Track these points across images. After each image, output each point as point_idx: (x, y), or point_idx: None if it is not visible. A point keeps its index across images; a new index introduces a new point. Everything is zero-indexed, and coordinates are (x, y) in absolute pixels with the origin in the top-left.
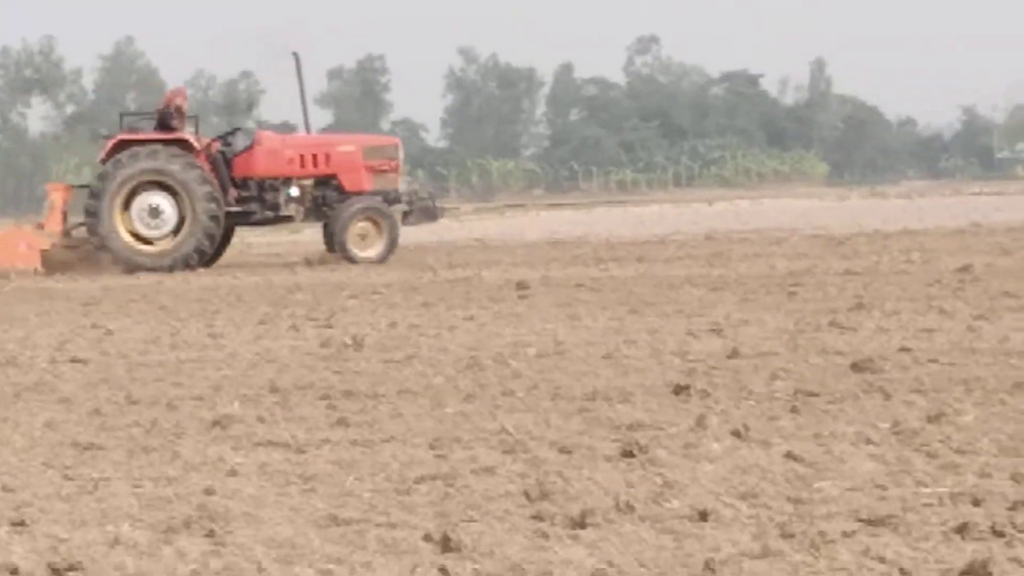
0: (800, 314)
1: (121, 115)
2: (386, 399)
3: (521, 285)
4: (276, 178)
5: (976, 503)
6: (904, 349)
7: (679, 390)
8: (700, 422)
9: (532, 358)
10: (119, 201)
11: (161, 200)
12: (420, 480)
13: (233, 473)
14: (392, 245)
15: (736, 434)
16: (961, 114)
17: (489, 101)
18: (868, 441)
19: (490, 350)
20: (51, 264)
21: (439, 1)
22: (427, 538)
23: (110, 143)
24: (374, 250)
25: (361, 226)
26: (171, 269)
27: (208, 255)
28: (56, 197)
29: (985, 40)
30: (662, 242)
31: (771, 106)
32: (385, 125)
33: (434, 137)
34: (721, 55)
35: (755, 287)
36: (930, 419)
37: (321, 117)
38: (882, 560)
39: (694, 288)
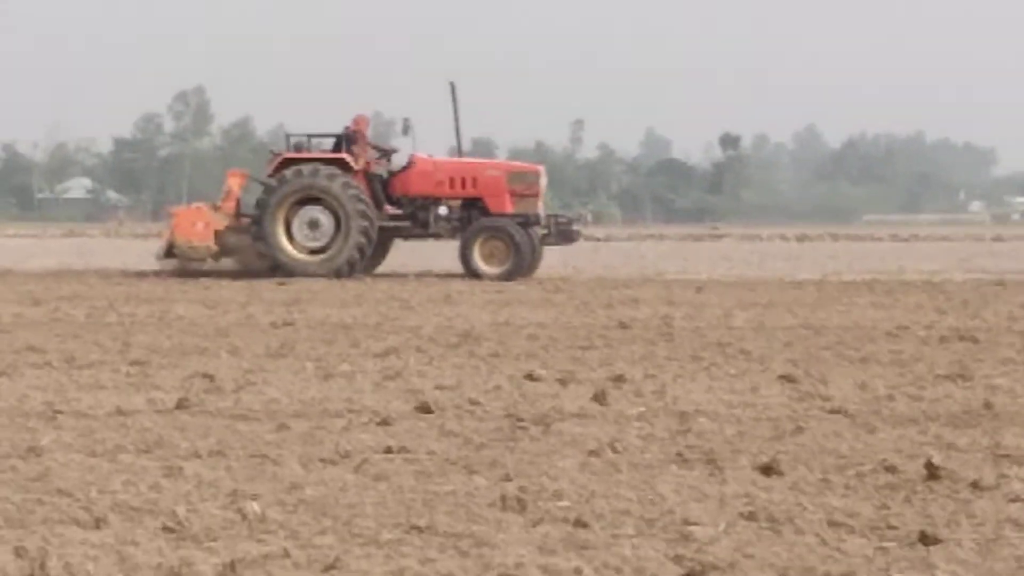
0: None
1: (287, 135)
2: None
3: None
4: (427, 197)
5: None
6: None
7: None
8: None
9: None
10: (281, 213)
11: (320, 215)
12: None
13: None
14: (518, 264)
15: None
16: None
17: None
18: None
19: None
20: (223, 245)
21: None
22: None
23: (276, 160)
24: (499, 268)
25: (489, 244)
26: (328, 276)
27: (358, 267)
28: (233, 183)
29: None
30: None
31: None
32: None
33: None
34: None
35: None
36: None
37: None
38: None
39: None
